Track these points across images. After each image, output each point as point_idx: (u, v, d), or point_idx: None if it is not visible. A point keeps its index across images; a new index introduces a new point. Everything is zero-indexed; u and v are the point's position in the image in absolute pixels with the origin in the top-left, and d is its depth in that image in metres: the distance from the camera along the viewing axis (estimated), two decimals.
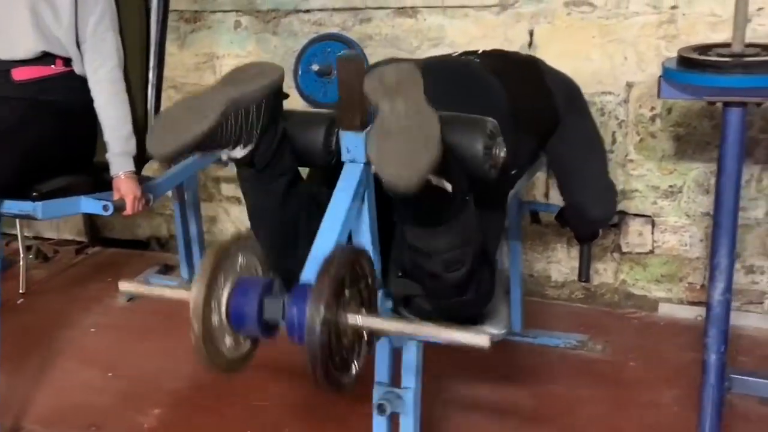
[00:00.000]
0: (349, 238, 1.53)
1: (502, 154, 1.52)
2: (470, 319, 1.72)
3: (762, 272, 2.74)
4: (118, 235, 3.76)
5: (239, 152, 1.49)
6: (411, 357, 1.80)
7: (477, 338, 1.25)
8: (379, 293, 1.62)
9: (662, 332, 2.78)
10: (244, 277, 1.34)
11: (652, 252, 2.85)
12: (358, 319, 1.30)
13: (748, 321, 2.76)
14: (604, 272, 2.94)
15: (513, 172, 1.85)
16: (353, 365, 1.34)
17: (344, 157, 1.53)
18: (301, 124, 1.59)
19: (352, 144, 1.52)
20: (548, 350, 2.67)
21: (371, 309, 1.38)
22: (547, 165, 2.20)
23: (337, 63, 1.51)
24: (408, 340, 1.78)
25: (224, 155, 1.51)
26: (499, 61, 1.98)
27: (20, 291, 3.27)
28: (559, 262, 2.99)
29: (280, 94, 1.54)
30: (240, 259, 1.36)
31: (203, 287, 1.24)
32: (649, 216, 2.81)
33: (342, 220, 1.46)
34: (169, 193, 3.03)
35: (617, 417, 2.32)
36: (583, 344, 2.68)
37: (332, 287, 1.23)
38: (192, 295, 1.24)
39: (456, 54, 2.12)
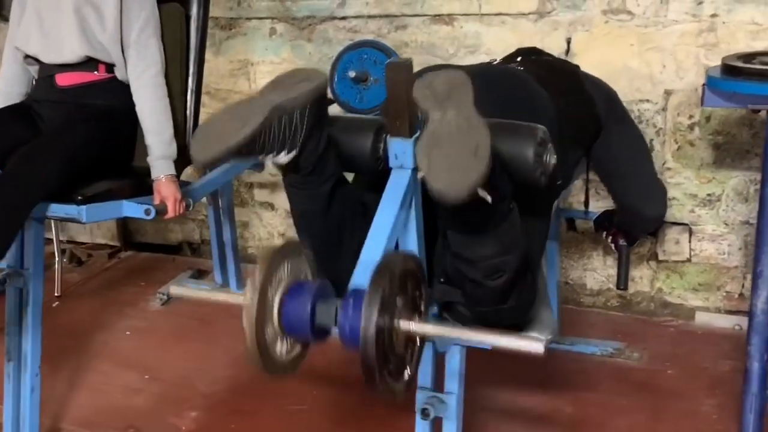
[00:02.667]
0: (396, 245, 1.53)
1: (553, 161, 1.52)
2: (513, 326, 1.72)
3: None
4: (151, 240, 3.79)
5: (284, 158, 1.50)
6: (455, 362, 1.81)
7: (533, 345, 1.25)
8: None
9: (699, 341, 2.77)
10: (296, 282, 1.35)
11: (689, 260, 2.84)
12: (411, 325, 1.30)
13: None
14: (641, 280, 2.93)
15: (559, 182, 1.84)
16: (405, 371, 1.34)
17: (392, 163, 1.54)
18: (348, 130, 1.60)
19: (400, 150, 1.52)
20: (585, 358, 2.66)
21: (423, 315, 1.38)
22: (594, 171, 2.19)
23: (386, 69, 1.51)
24: (452, 345, 1.79)
25: (269, 161, 1.51)
26: (542, 69, 1.98)
27: (56, 294, 3.31)
28: (595, 270, 2.98)
29: (324, 100, 1.55)
30: (291, 265, 1.37)
31: (257, 292, 1.26)
32: (687, 224, 2.80)
33: (390, 227, 1.46)
34: (203, 198, 3.05)
35: (656, 426, 2.31)
36: (620, 352, 2.67)
37: (386, 293, 1.24)
38: (246, 300, 1.26)
39: (497, 62, 2.12)
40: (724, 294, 2.79)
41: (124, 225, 3.79)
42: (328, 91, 2.95)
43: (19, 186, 2.05)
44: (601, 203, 2.84)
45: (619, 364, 2.63)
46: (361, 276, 1.35)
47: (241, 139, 1.38)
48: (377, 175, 1.58)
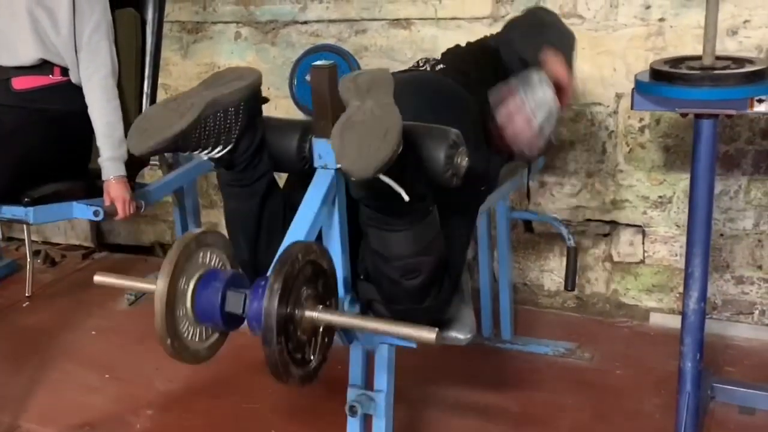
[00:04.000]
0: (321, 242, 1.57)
1: (464, 164, 1.55)
2: (432, 324, 1.75)
3: (751, 283, 2.74)
4: (124, 241, 3.83)
5: (217, 153, 1.54)
6: (382, 359, 1.84)
7: (424, 333, 1.28)
8: (347, 297, 1.67)
9: (652, 341, 2.79)
10: (210, 270, 1.39)
11: (642, 262, 2.86)
12: (313, 314, 1.34)
13: (738, 331, 2.77)
14: (596, 282, 2.95)
15: (483, 188, 1.88)
16: (311, 359, 1.38)
17: (316, 162, 1.58)
18: (276, 130, 1.63)
19: (323, 150, 1.56)
20: (536, 358, 2.69)
21: (330, 305, 1.42)
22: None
23: (310, 72, 1.56)
24: (379, 343, 1.82)
25: (204, 156, 1.56)
26: (464, 64, 2.01)
27: (26, 294, 3.35)
28: (552, 271, 3.01)
29: (258, 99, 1.59)
30: (209, 254, 1.41)
31: (167, 279, 1.30)
32: (640, 226, 2.82)
33: (309, 223, 1.50)
34: (171, 199, 3.09)
35: (598, 424, 2.34)
36: (572, 352, 2.70)
37: (289, 279, 1.28)
38: (158, 287, 1.30)
39: (421, 61, 2.13)
40: (677, 295, 2.81)
41: (98, 226, 3.83)
42: (288, 94, 3.00)
43: None
44: (557, 204, 2.88)
45: (569, 364, 2.66)
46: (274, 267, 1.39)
47: (176, 131, 1.43)
48: (304, 175, 1.62)
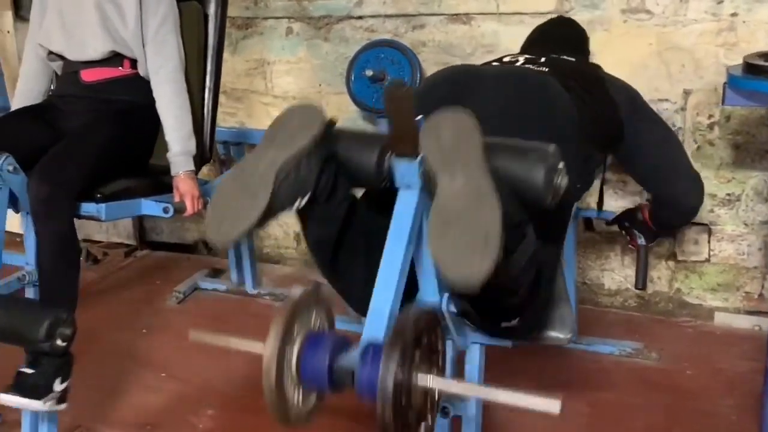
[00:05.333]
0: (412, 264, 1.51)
1: (564, 183, 1.49)
2: (536, 326, 1.71)
3: None
4: (166, 239, 3.80)
5: (299, 204, 1.48)
6: (474, 360, 1.81)
7: (548, 404, 1.26)
8: (446, 295, 1.62)
9: (718, 341, 2.75)
10: (315, 333, 1.37)
11: (708, 260, 2.82)
12: (428, 380, 1.31)
13: None
14: (659, 281, 2.91)
15: (578, 185, 1.83)
16: (423, 424, 1.35)
17: (398, 183, 1.50)
18: (352, 147, 1.56)
19: (406, 171, 1.48)
20: (602, 357, 2.65)
21: (441, 369, 1.40)
22: (627, 171, 2.21)
23: (384, 95, 1.46)
24: (472, 343, 1.78)
25: (287, 212, 1.49)
26: (566, 71, 1.95)
27: None
28: (613, 270, 2.97)
29: (328, 136, 1.51)
30: (310, 314, 1.38)
31: (277, 344, 1.27)
32: (706, 224, 2.78)
33: (399, 270, 1.42)
34: None
35: (673, 426, 2.29)
36: (638, 352, 2.66)
37: (405, 349, 1.25)
38: (266, 352, 1.27)
39: (521, 62, 2.07)
40: (744, 294, 2.78)
41: (140, 224, 3.81)
42: (344, 90, 2.97)
43: (53, 192, 2.06)
44: (619, 203, 2.84)
45: (637, 364, 2.62)
46: (374, 327, 1.36)
47: (256, 217, 1.38)
48: (383, 191, 1.56)
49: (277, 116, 1.50)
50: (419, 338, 1.30)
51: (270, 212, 1.40)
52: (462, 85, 1.81)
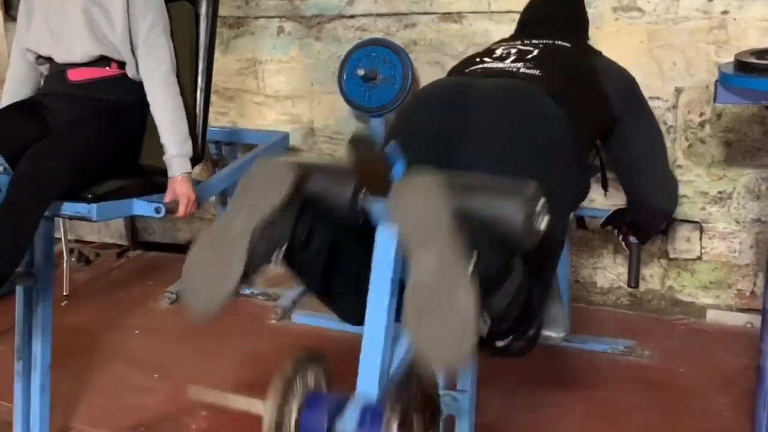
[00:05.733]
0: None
1: (544, 225, 1.46)
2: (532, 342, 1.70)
3: None
4: (159, 239, 3.79)
5: (278, 256, 1.47)
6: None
7: None
8: None
9: (711, 339, 2.76)
10: (314, 393, 1.39)
11: (700, 258, 2.83)
12: None
13: None
14: (651, 279, 2.92)
15: (576, 199, 1.83)
16: None
17: (376, 220, 1.48)
18: (326, 188, 1.54)
19: (381, 211, 1.46)
20: (596, 356, 2.66)
21: (435, 428, 1.42)
22: (609, 163, 2.17)
23: (348, 146, 1.42)
24: None
25: (265, 268, 1.48)
26: (558, 73, 1.88)
27: (64, 293, 3.31)
28: (605, 268, 2.97)
29: (299, 188, 1.49)
30: (308, 374, 1.40)
31: (276, 405, 1.30)
32: (698, 222, 2.79)
33: (386, 312, 1.41)
34: (214, 197, 3.05)
35: (669, 424, 2.30)
36: (631, 350, 2.66)
37: (401, 414, 1.29)
38: (266, 414, 1.31)
39: (513, 58, 2.03)
40: (736, 292, 2.78)
41: (132, 224, 3.80)
42: (337, 89, 2.96)
43: (32, 187, 2.05)
44: (611, 201, 2.83)
45: (630, 362, 2.62)
46: (367, 382, 1.38)
47: (233, 285, 1.36)
48: (360, 226, 1.53)
49: (245, 175, 1.48)
50: (417, 403, 1.34)
51: (248, 275, 1.39)
52: (454, 104, 1.77)
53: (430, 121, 1.76)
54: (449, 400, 1.79)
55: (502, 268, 1.43)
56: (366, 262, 1.43)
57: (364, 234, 1.48)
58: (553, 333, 1.72)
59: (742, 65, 1.89)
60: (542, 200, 1.45)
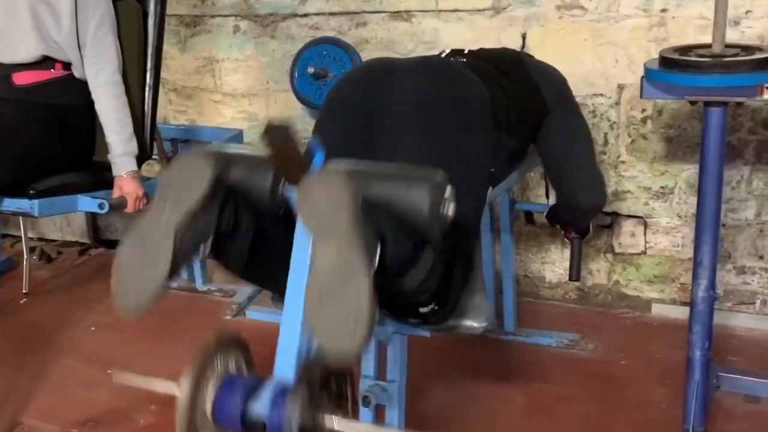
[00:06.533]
0: None
1: (451, 212, 1.50)
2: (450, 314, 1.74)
3: (753, 273, 2.76)
4: (120, 237, 3.79)
5: (204, 250, 1.48)
6: (395, 350, 1.84)
7: None
8: None
9: (655, 332, 2.80)
10: (230, 376, 1.40)
11: (644, 253, 2.87)
12: (333, 422, 1.36)
13: (740, 321, 2.78)
14: (598, 273, 2.96)
15: (492, 169, 1.86)
16: None
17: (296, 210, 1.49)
18: (246, 179, 1.56)
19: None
20: (540, 349, 2.70)
21: (349, 409, 1.46)
22: (540, 159, 2.22)
23: (262, 135, 1.43)
24: (392, 333, 1.81)
25: (193, 260, 1.52)
26: (482, 59, 2.01)
27: (23, 291, 3.32)
28: (553, 263, 3.01)
29: (221, 181, 1.49)
30: (227, 357, 1.42)
31: (191, 388, 1.33)
32: (642, 217, 2.83)
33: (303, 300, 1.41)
34: None
35: (607, 415, 2.34)
36: (575, 343, 2.70)
37: (309, 392, 1.32)
38: (181, 395, 1.33)
39: (444, 53, 2.14)
40: (679, 285, 2.83)
41: (94, 222, 3.81)
42: (289, 88, 3.00)
43: None
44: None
45: (573, 355, 2.67)
46: (284, 366, 1.40)
47: (161, 279, 1.38)
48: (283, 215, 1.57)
49: (166, 171, 1.50)
50: (326, 382, 1.37)
51: (175, 269, 1.40)
52: (377, 80, 1.84)
53: (351, 95, 1.82)
54: (378, 390, 1.82)
55: (412, 254, 1.47)
56: (290, 231, 1.46)
57: (287, 221, 1.50)
58: (474, 323, 1.74)
59: (665, 61, 1.94)
60: (449, 188, 1.50)
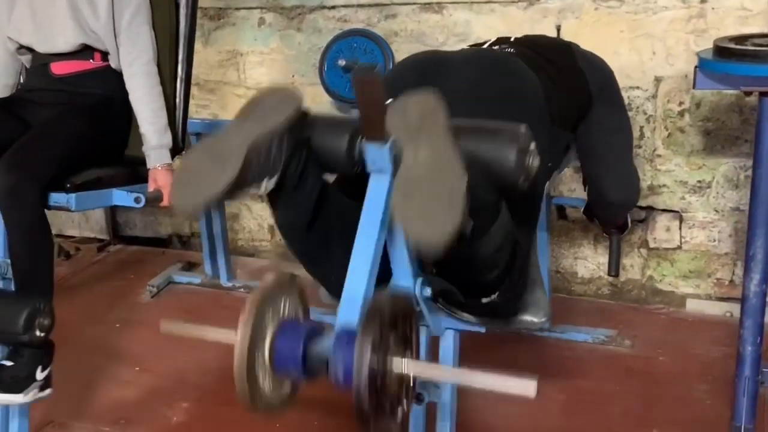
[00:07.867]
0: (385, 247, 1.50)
1: (536, 164, 1.46)
2: (511, 312, 1.71)
3: None
4: (140, 233, 3.77)
5: (266, 185, 1.45)
6: (448, 346, 1.80)
7: (523, 386, 1.24)
8: (419, 280, 1.62)
9: (690, 328, 2.78)
10: (288, 321, 1.34)
11: (679, 247, 2.84)
12: (403, 365, 1.29)
13: None
14: (631, 268, 2.93)
15: (549, 164, 1.83)
16: (400, 408, 1.34)
17: (369, 168, 1.46)
18: (323, 132, 1.53)
19: (377, 156, 1.44)
20: (576, 345, 2.67)
21: (415, 352, 1.38)
22: (577, 152, 2.18)
23: (352, 79, 1.46)
24: (446, 329, 1.78)
25: (253, 191, 1.48)
26: (532, 49, 1.96)
27: None
28: (586, 259, 2.98)
29: (302, 120, 1.49)
30: (282, 301, 1.35)
31: (248, 331, 1.24)
32: (677, 211, 2.80)
33: (372, 254, 1.40)
34: None
35: (649, 411, 2.31)
36: (612, 339, 2.67)
37: (377, 336, 1.23)
38: (238, 339, 1.24)
39: (490, 43, 2.10)
40: (715, 281, 2.80)
41: (113, 218, 3.77)
42: (318, 81, 2.96)
43: (20, 181, 2.02)
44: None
45: (610, 351, 2.64)
46: (347, 312, 1.34)
47: (223, 187, 1.33)
48: (357, 177, 1.55)
49: (253, 94, 1.48)
50: (393, 322, 1.28)
51: (237, 185, 1.36)
52: (430, 70, 1.81)
53: (403, 84, 1.76)
54: (430, 387, 1.79)
55: (492, 207, 1.44)
56: (356, 213, 1.42)
57: (359, 185, 1.47)
58: (534, 318, 1.71)
59: (721, 51, 1.91)
60: (533, 141, 1.46)
